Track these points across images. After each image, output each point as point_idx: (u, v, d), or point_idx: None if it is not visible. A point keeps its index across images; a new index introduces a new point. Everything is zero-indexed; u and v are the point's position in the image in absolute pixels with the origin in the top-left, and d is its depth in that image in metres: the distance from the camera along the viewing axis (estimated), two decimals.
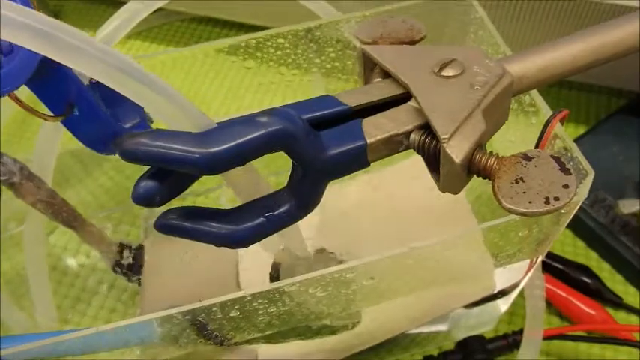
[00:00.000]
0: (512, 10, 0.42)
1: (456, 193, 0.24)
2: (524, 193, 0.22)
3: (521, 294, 0.39)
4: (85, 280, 0.40)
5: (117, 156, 0.41)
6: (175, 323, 0.26)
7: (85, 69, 0.21)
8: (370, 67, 0.28)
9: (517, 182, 0.22)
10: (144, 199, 0.23)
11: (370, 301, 0.30)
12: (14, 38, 0.19)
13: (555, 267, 0.41)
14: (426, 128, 0.24)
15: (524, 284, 0.37)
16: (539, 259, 0.34)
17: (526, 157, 0.23)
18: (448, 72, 0.25)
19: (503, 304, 0.39)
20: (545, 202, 0.21)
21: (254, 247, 0.39)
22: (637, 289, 0.41)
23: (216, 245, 0.25)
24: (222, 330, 0.28)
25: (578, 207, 0.27)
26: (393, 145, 0.25)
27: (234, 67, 0.35)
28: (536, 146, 0.28)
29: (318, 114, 0.25)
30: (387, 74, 0.27)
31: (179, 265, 0.36)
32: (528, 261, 0.34)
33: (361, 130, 0.24)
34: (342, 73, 0.37)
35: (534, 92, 0.30)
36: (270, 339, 0.31)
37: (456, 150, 0.22)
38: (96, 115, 0.31)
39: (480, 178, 0.23)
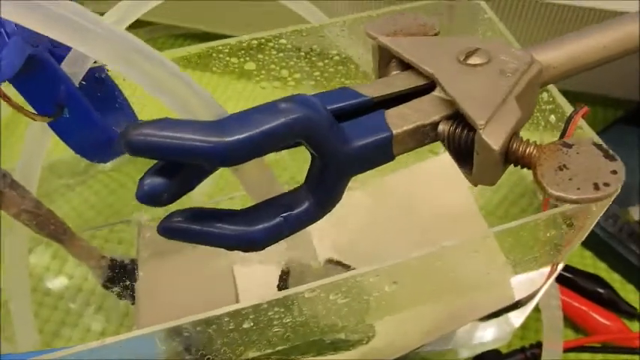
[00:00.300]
0: (520, 10, 0.41)
1: (491, 183, 0.22)
2: (570, 179, 0.20)
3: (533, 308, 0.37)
4: (69, 302, 0.37)
5: (103, 168, 0.39)
6: (181, 338, 0.24)
7: (94, 49, 0.19)
8: (386, 62, 0.27)
9: (561, 169, 0.20)
10: (149, 197, 0.21)
11: (387, 310, 0.28)
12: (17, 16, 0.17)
13: (567, 277, 0.40)
14: (455, 118, 0.23)
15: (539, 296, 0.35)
16: (560, 266, 0.32)
17: (566, 145, 0.21)
18: (475, 60, 0.24)
19: (517, 318, 0.37)
20: (595, 188, 0.20)
21: (253, 264, 0.37)
22: None
23: (228, 249, 0.23)
24: (232, 345, 0.25)
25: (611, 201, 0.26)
26: (420, 137, 0.23)
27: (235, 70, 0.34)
28: None
29: (337, 106, 0.23)
30: (405, 67, 0.25)
31: (175, 280, 0.33)
32: (545, 271, 0.33)
33: (385, 121, 0.23)
34: (346, 78, 0.36)
35: (553, 89, 0.29)
36: (281, 356, 0.28)
37: (494, 137, 0.21)
38: (87, 118, 0.29)
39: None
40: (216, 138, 0.19)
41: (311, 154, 0.22)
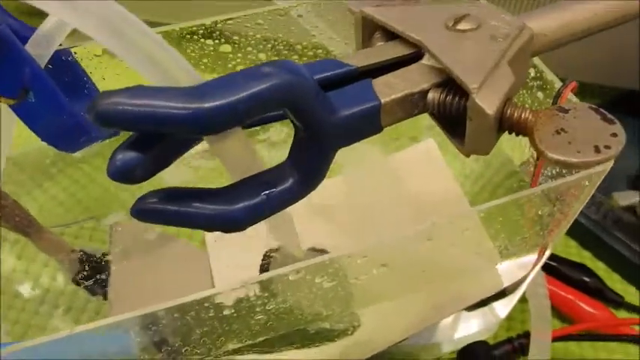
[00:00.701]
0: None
1: (485, 152, 0.21)
2: (569, 143, 0.19)
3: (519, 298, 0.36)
4: (37, 304, 0.35)
5: (72, 160, 0.37)
6: (158, 329, 0.22)
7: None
8: (370, 33, 0.26)
9: (559, 133, 0.20)
10: (121, 173, 0.19)
11: (374, 297, 0.27)
12: None
13: (552, 266, 0.39)
14: (445, 85, 0.22)
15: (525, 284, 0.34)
16: (547, 252, 0.31)
17: (562, 110, 0.21)
18: (464, 26, 0.23)
19: (503, 308, 0.36)
20: (596, 151, 0.19)
21: (231, 257, 0.36)
22: (636, 287, 0.39)
23: (207, 230, 0.21)
24: (212, 335, 0.23)
25: (602, 179, 0.25)
26: (408, 106, 0.22)
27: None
28: None
29: (321, 76, 0.22)
30: (390, 37, 0.24)
31: (150, 274, 0.31)
32: (531, 259, 0.32)
33: (372, 89, 0.22)
34: None
35: (540, 64, 0.28)
36: (262, 348, 0.27)
37: (487, 101, 0.20)
38: (54, 102, 0.27)
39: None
40: (194, 104, 0.18)
41: (295, 126, 0.21)
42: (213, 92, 0.18)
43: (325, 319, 0.27)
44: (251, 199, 0.21)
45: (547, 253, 0.31)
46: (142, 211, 0.20)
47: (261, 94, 0.18)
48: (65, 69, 0.30)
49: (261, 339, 0.25)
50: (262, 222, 0.22)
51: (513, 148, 0.33)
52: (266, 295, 0.22)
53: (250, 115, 0.19)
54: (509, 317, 0.38)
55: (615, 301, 0.38)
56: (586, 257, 0.41)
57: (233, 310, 0.22)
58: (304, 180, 0.21)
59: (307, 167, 0.21)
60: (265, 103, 0.18)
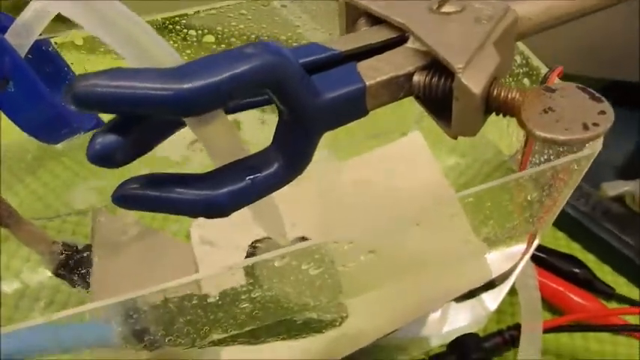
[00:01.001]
0: None
1: (472, 133, 0.21)
2: (557, 121, 0.19)
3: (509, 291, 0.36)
4: (17, 299, 0.34)
5: (54, 151, 0.36)
6: (139, 317, 0.21)
7: None
8: (354, 19, 0.25)
9: (546, 112, 0.19)
10: (100, 157, 0.19)
11: (362, 286, 0.27)
12: None
13: (542, 258, 0.39)
14: (430, 68, 0.21)
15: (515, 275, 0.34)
16: (536, 242, 0.31)
17: (549, 89, 0.20)
18: (448, 8, 0.22)
19: (493, 301, 0.36)
20: (584, 128, 0.19)
21: (216, 247, 0.35)
22: (627, 279, 0.39)
23: (191, 216, 0.21)
24: (196, 324, 0.23)
25: (590, 163, 0.25)
26: (394, 89, 0.22)
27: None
28: None
29: (304, 60, 0.22)
30: (375, 22, 0.24)
31: (133, 265, 0.31)
32: (520, 249, 0.31)
33: (357, 72, 0.21)
34: None
35: (527, 50, 0.28)
36: (248, 338, 0.26)
37: (474, 80, 0.20)
38: (36, 92, 0.27)
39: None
40: (174, 85, 0.17)
41: (279, 110, 0.20)
42: (193, 73, 0.17)
43: (313, 309, 0.27)
44: (235, 183, 0.20)
45: (535, 243, 0.31)
46: (123, 198, 0.20)
47: (243, 75, 0.18)
48: (46, 59, 0.29)
49: (246, 329, 0.25)
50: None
51: (501, 138, 0.33)
52: (251, 282, 0.22)
53: (232, 96, 0.18)
54: (499, 310, 0.38)
55: (606, 293, 0.38)
56: (575, 249, 0.41)
57: (217, 298, 0.22)
58: (290, 164, 0.21)
59: (292, 151, 0.21)
60: (247, 84, 0.18)
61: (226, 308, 0.23)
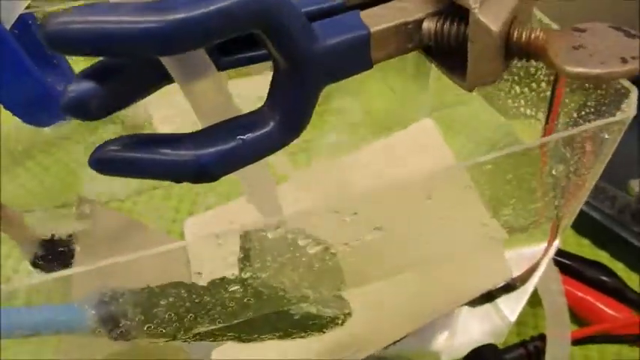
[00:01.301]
0: None
1: (492, 81, 0.18)
2: (590, 56, 0.16)
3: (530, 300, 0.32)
4: None
5: (44, 138, 0.34)
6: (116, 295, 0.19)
7: None
8: None
9: (577, 49, 0.17)
10: (74, 106, 0.17)
11: (366, 275, 0.24)
12: None
13: (565, 264, 0.35)
14: (441, 14, 0.19)
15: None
16: (557, 242, 0.28)
17: (578, 29, 0.18)
18: None
19: (512, 309, 0.33)
20: (623, 61, 0.16)
21: (209, 246, 0.33)
22: None
23: (174, 180, 0.18)
24: (179, 308, 0.20)
25: (622, 132, 0.22)
26: (402, 39, 0.19)
27: None
28: (555, 81, 0.23)
29: (305, 10, 0.20)
30: None
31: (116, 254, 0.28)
32: (540, 250, 0.29)
33: (360, 19, 0.19)
34: None
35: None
36: (241, 334, 0.23)
37: (491, 16, 0.17)
38: (21, 67, 0.26)
39: None
40: (155, 17, 0.15)
41: (274, 60, 0.18)
42: (177, 6, 0.16)
43: (312, 302, 0.24)
44: (224, 143, 0.18)
45: (556, 243, 0.28)
46: (100, 161, 0.18)
47: (232, 8, 0.16)
48: (32, 36, 0.28)
49: (238, 320, 0.22)
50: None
51: (523, 129, 0.30)
52: (241, 256, 0.19)
53: (220, 33, 0.16)
54: (519, 322, 0.35)
55: (638, 303, 0.35)
56: (602, 257, 0.38)
57: (202, 274, 0.19)
58: (286, 123, 0.19)
59: (289, 108, 0.19)
60: (237, 19, 0.16)
61: (214, 291, 0.20)
